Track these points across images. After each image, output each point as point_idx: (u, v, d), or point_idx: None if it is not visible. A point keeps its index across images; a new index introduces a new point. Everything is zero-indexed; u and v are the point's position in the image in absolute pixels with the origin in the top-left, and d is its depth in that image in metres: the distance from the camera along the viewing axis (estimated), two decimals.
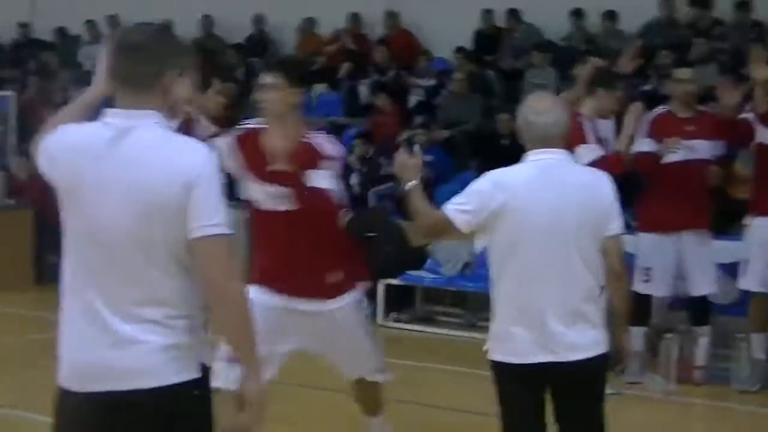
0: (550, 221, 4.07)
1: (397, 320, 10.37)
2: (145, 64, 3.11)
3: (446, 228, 4.23)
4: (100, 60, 3.43)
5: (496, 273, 4.23)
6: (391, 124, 12.94)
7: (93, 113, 3.39)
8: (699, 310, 7.94)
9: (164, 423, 3.12)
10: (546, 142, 4.18)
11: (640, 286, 7.61)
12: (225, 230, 3.08)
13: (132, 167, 3.07)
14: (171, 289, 3.11)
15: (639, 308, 7.69)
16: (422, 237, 4.54)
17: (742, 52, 10.69)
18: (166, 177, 3.05)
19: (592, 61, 8.40)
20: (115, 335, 3.08)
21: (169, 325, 3.10)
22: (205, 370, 3.21)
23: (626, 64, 8.03)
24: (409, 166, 4.41)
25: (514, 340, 4.14)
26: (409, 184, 4.34)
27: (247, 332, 3.16)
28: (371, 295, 10.04)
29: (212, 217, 3.06)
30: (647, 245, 7.62)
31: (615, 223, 4.21)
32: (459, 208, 4.17)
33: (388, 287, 10.34)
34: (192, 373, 3.15)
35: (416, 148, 4.53)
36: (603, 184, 4.25)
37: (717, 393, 7.66)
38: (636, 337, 7.72)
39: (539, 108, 4.21)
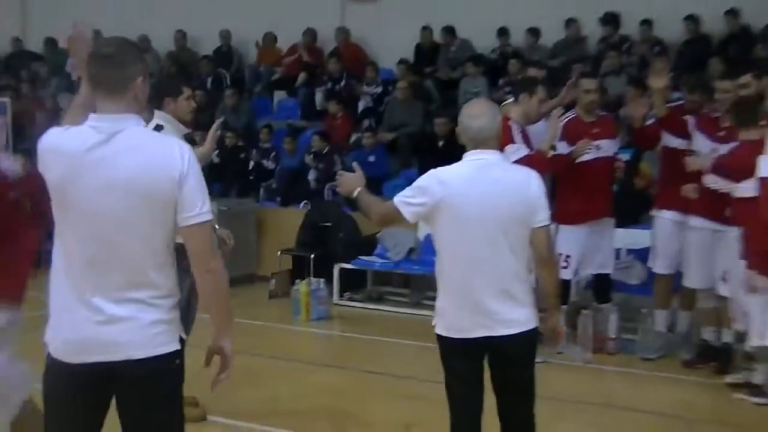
0: (483, 213, 4.06)
1: (351, 299, 10.37)
2: (113, 69, 3.13)
3: (395, 217, 4.24)
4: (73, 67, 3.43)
5: (439, 257, 4.23)
6: (343, 126, 12.92)
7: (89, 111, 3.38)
8: (602, 288, 8.03)
9: (149, 389, 3.15)
10: (480, 144, 4.17)
11: (560, 272, 7.63)
12: (210, 216, 3.18)
13: (125, 165, 3.07)
14: (159, 273, 3.15)
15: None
16: (376, 224, 4.51)
17: (647, 64, 10.77)
18: (159, 173, 3.08)
19: (529, 71, 8.39)
20: (107, 314, 3.09)
21: (156, 304, 3.15)
22: (182, 342, 3.27)
23: (566, 96, 8.00)
24: (350, 181, 4.37)
25: (455, 316, 4.15)
26: (356, 192, 4.33)
27: (226, 298, 3.27)
28: (328, 276, 10.06)
29: (203, 205, 3.15)
30: (565, 236, 7.62)
31: (542, 216, 4.19)
32: (406, 200, 4.17)
33: (343, 270, 10.34)
34: (175, 345, 3.21)
35: (354, 164, 4.49)
36: (532, 181, 4.22)
37: (626, 361, 7.75)
38: None
39: (472, 113, 4.21)
